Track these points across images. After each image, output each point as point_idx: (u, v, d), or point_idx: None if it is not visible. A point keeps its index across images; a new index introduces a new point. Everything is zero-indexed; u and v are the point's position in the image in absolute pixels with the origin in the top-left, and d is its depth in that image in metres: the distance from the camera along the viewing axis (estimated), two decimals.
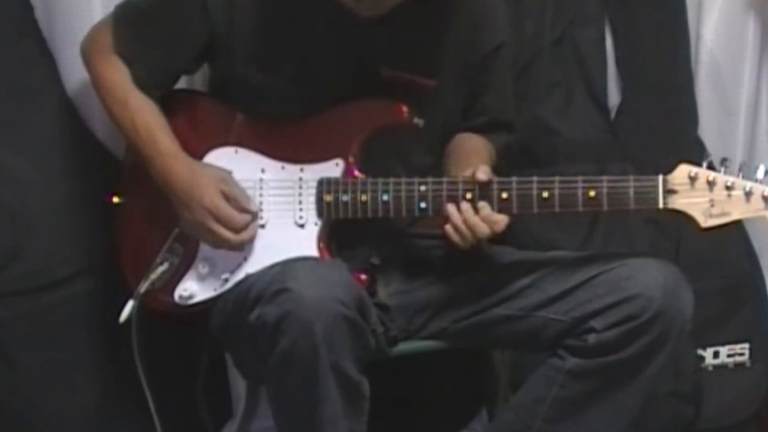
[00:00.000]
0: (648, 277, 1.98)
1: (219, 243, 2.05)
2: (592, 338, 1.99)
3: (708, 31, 2.58)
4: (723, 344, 2.56)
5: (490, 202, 1.99)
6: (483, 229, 1.98)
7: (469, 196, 1.99)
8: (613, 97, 2.57)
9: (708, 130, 2.59)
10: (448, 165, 2.15)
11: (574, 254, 2.12)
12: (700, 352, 2.54)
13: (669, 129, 2.57)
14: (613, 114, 2.57)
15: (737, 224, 2.27)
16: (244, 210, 2.04)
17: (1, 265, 2.23)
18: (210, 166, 2.09)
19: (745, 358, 2.57)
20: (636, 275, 1.99)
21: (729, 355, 2.56)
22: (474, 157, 2.14)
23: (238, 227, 2.03)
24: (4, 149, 2.26)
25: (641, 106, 2.57)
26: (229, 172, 2.08)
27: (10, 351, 2.25)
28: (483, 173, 1.99)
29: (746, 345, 2.57)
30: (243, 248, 2.05)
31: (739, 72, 2.60)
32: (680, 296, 1.99)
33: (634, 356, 1.98)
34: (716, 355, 2.56)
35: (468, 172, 2.01)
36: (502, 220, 1.99)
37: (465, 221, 1.98)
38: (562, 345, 2.03)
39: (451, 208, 1.99)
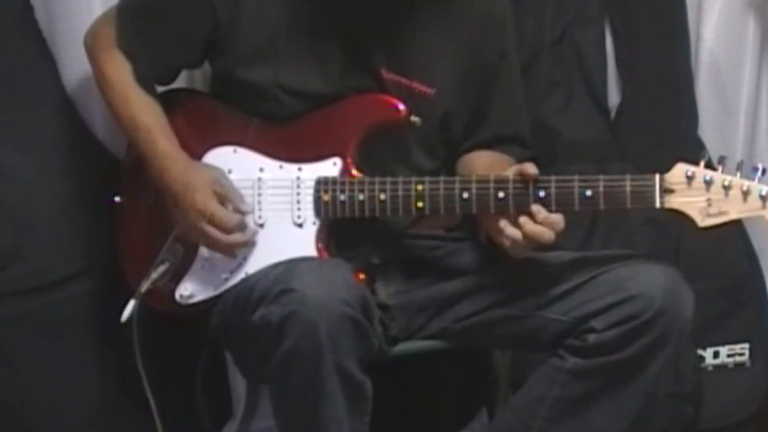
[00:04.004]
0: (649, 277, 1.98)
1: (212, 245, 2.04)
2: (592, 338, 1.98)
3: (708, 31, 2.57)
4: (723, 344, 2.56)
5: (526, 201, 1.94)
6: (548, 235, 1.93)
7: (501, 195, 1.96)
8: (613, 97, 2.57)
9: (708, 130, 2.59)
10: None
11: (575, 254, 2.11)
12: (700, 352, 2.54)
13: (669, 129, 2.57)
14: (613, 114, 2.57)
15: (737, 224, 2.27)
16: (237, 210, 2.04)
17: (1, 265, 2.23)
18: (205, 166, 2.08)
19: (745, 358, 2.57)
20: (636, 275, 1.99)
21: (729, 355, 2.56)
22: (497, 169, 2.09)
23: (228, 229, 2.02)
24: (4, 149, 2.27)
25: (641, 106, 2.57)
26: (223, 172, 2.07)
27: (10, 351, 2.25)
28: (531, 166, 1.93)
29: (746, 345, 2.57)
30: (236, 251, 2.04)
31: (739, 72, 2.60)
32: (681, 297, 1.99)
33: (635, 356, 1.98)
34: (716, 355, 2.56)
35: (508, 172, 1.96)
36: (560, 219, 1.94)
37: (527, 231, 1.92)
38: (563, 345, 2.02)
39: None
